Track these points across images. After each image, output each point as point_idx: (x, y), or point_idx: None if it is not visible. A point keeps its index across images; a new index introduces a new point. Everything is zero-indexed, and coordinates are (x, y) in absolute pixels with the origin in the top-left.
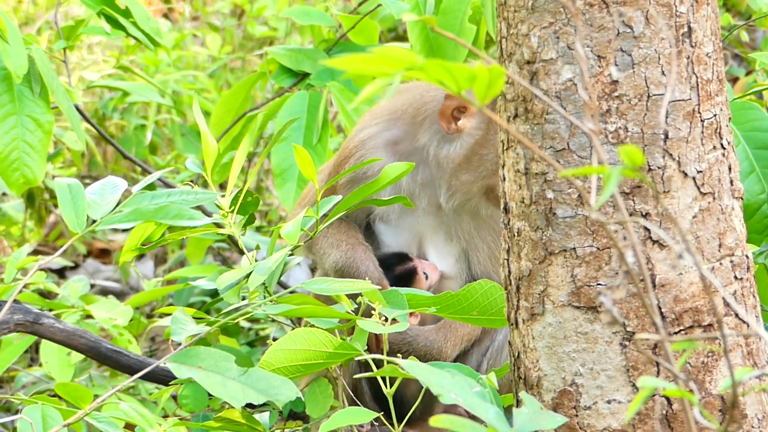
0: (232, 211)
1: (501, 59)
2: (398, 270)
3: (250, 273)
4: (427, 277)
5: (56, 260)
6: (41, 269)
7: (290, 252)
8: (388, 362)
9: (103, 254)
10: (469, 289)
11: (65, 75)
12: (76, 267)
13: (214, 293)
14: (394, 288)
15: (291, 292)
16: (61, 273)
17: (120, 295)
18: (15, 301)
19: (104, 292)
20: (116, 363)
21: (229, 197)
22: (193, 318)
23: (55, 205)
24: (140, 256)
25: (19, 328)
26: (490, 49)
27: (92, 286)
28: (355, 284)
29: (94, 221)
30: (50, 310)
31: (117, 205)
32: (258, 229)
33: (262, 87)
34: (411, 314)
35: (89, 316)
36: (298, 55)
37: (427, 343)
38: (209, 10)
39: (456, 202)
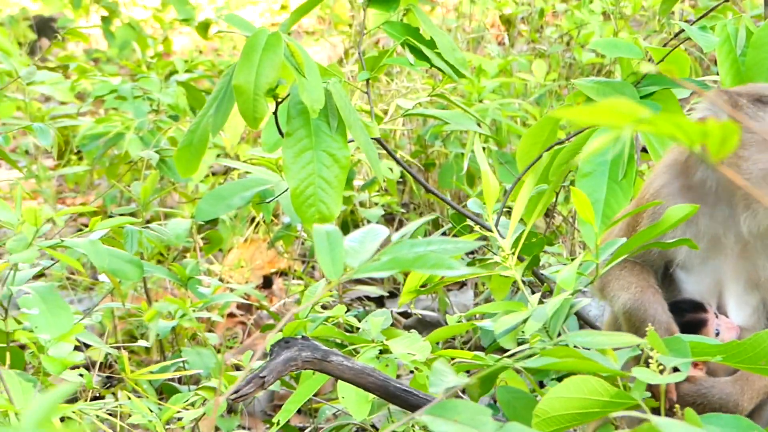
0: (513, 253)
1: None
2: (687, 317)
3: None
4: (717, 335)
5: (374, 289)
6: (354, 300)
7: (575, 294)
8: (643, 420)
9: None
10: (757, 337)
11: (383, 103)
12: (394, 295)
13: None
14: (676, 335)
15: (556, 344)
16: (379, 301)
17: (437, 325)
18: (303, 337)
19: (421, 321)
20: (405, 402)
21: (511, 238)
22: (475, 360)
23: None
24: (461, 286)
25: (307, 365)
26: None
27: (409, 315)
28: (622, 338)
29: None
30: (351, 344)
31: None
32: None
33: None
34: (695, 365)
35: (387, 351)
36: (605, 87)
37: (722, 396)
38: (539, 37)
39: (761, 224)
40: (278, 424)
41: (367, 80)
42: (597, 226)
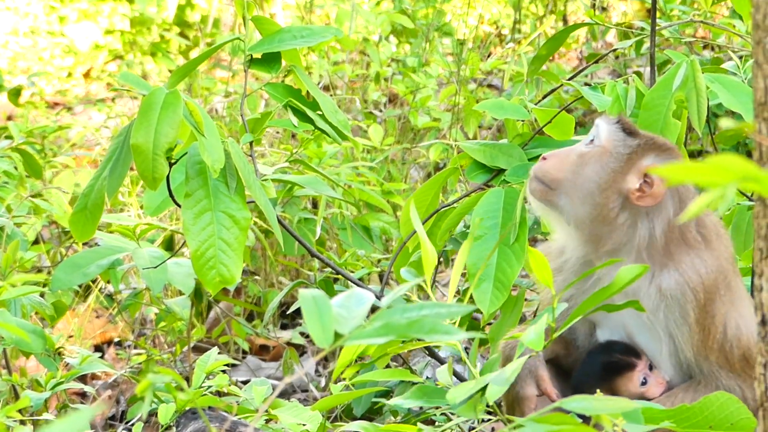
0: (454, 323)
1: (760, 161)
2: (615, 357)
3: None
4: (643, 383)
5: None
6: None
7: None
8: None
9: (263, 350)
10: (705, 402)
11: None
12: (236, 365)
13: (385, 394)
14: (625, 400)
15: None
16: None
17: (284, 394)
18: (210, 408)
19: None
20: None
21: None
22: None
23: (217, 301)
24: (302, 353)
25: None
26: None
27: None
28: (618, 404)
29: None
30: (232, 413)
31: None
32: None
33: (452, 183)
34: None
35: (271, 419)
36: (492, 150)
37: None
38: (364, 99)
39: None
40: None
41: (251, 142)
42: (490, 289)
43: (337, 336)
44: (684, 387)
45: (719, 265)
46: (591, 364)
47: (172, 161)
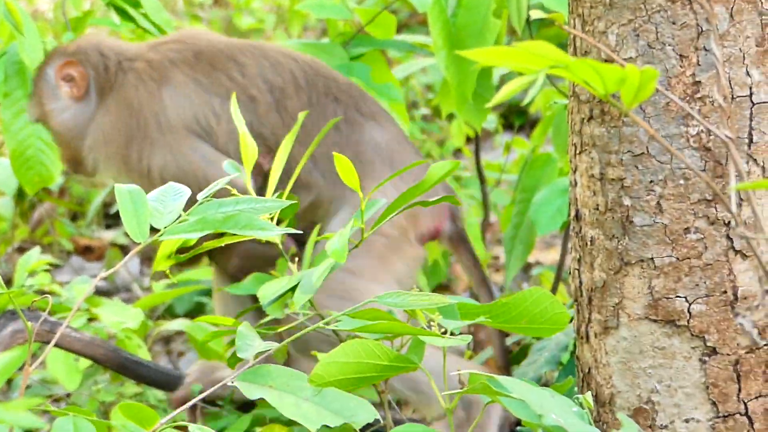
0: (272, 218)
1: (574, 56)
2: None
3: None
4: None
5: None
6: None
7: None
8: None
9: (87, 251)
10: (520, 296)
11: None
12: (60, 265)
13: (207, 293)
14: (439, 296)
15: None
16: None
17: (107, 294)
18: (30, 308)
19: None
20: (136, 374)
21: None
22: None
23: (41, 200)
24: (126, 254)
25: (35, 337)
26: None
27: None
28: (433, 299)
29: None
30: (52, 312)
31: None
32: None
33: None
34: None
35: (93, 318)
36: (313, 49)
37: None
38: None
39: None
40: None
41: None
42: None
43: (153, 231)
44: None
45: (126, 114)
46: None
47: None
